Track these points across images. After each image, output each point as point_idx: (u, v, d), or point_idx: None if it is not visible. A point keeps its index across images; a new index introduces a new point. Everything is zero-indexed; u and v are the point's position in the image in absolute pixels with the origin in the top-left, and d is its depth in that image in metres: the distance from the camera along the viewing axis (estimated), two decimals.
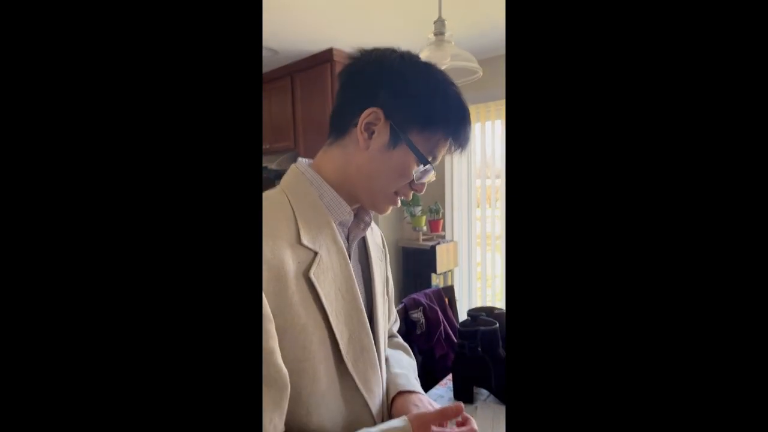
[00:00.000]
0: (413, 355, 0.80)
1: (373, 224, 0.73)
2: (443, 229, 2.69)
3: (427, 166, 0.56)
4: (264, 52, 2.39)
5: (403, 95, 0.54)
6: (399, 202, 0.60)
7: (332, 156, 0.58)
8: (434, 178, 0.61)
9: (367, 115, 0.54)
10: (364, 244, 0.66)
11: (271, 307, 0.47)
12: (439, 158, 0.59)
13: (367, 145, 0.55)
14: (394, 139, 0.55)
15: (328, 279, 0.54)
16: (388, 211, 0.61)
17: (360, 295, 0.58)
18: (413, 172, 0.56)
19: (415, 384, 0.68)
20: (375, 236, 0.73)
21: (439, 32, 1.12)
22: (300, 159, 0.61)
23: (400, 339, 0.83)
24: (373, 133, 0.55)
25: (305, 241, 0.53)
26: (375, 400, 0.59)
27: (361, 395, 0.57)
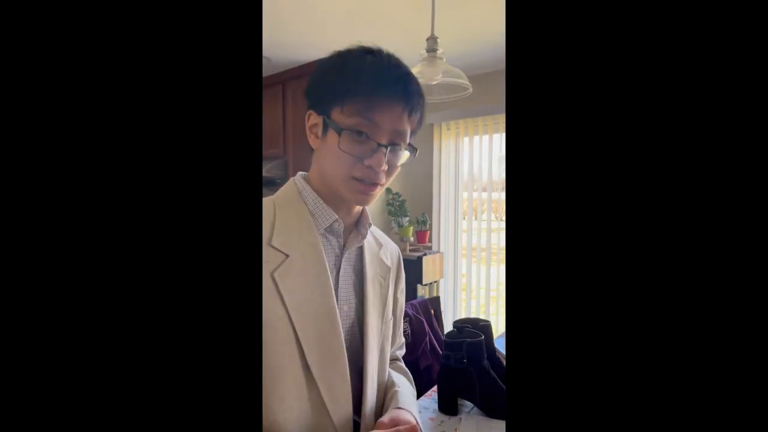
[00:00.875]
0: (414, 384, 0.78)
1: (388, 243, 0.75)
2: (430, 241, 2.71)
3: (346, 132, 0.54)
4: None
5: (316, 84, 0.59)
6: (365, 186, 0.57)
7: (312, 166, 0.64)
8: (374, 146, 0.55)
9: (307, 119, 0.60)
10: (361, 256, 0.66)
11: None
12: (384, 124, 0.55)
13: (317, 145, 0.60)
14: (324, 126, 0.57)
15: (298, 281, 0.56)
16: (368, 202, 0.59)
17: (334, 302, 0.58)
18: (341, 148, 0.54)
19: (411, 406, 0.66)
20: (387, 253, 0.72)
21: (432, 49, 1.15)
22: (299, 173, 0.65)
23: (403, 364, 0.80)
24: (317, 132, 0.59)
25: (276, 243, 0.56)
26: (340, 412, 0.57)
27: (324, 404, 0.56)
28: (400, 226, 2.59)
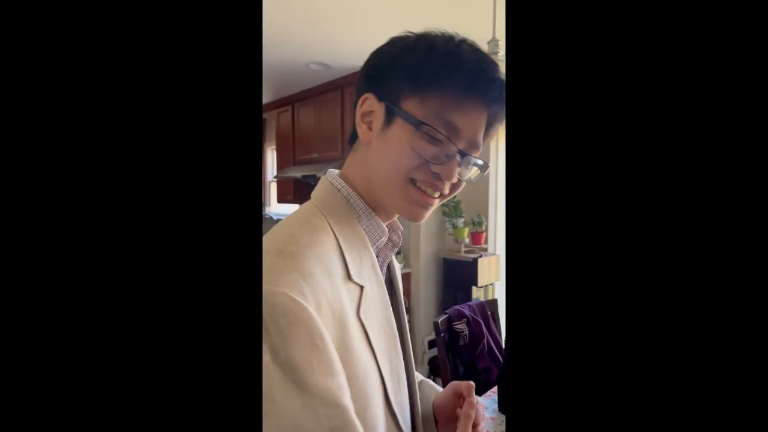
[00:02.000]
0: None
1: None
2: (486, 242, 2.68)
3: (426, 128, 0.45)
4: (316, 67, 2.52)
5: (386, 64, 0.48)
6: (425, 196, 0.48)
7: (351, 164, 0.53)
8: (451, 152, 0.46)
9: (362, 103, 0.49)
10: (389, 266, 0.60)
11: (339, 357, 0.41)
12: (466, 129, 0.46)
13: (369, 137, 0.48)
14: (388, 115, 0.47)
15: (373, 314, 0.48)
16: (421, 217, 0.50)
17: (395, 326, 0.52)
18: (411, 145, 0.45)
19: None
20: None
21: (493, 52, 1.16)
22: (330, 170, 0.54)
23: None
24: (372, 122, 0.48)
25: (354, 275, 0.46)
26: None
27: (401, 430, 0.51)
28: (455, 227, 2.59)
